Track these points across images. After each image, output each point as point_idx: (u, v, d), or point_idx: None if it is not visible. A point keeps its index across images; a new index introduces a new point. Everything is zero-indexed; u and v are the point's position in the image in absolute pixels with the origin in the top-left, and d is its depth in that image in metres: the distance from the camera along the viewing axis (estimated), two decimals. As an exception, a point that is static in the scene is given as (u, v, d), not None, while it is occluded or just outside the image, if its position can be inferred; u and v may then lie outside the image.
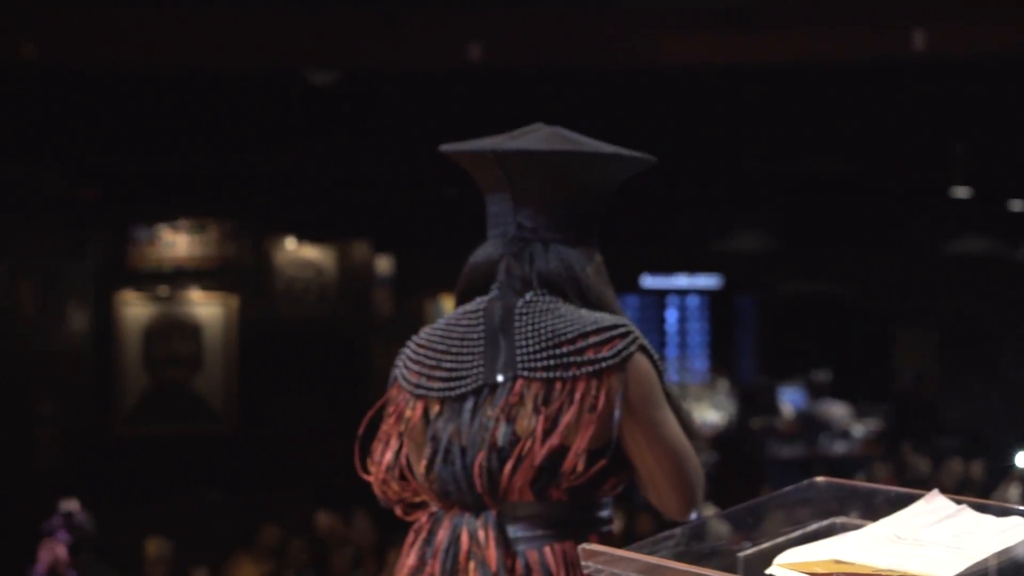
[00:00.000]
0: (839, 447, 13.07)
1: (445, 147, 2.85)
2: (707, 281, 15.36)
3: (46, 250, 10.15)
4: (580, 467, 2.58)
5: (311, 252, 11.58)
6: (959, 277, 13.53)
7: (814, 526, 1.57)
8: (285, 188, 11.16)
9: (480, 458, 2.60)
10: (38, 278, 10.14)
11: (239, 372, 11.24)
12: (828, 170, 11.75)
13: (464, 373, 2.68)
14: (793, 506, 1.62)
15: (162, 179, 10.97)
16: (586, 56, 8.45)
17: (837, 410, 13.59)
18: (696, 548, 1.50)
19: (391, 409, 2.78)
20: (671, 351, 15.52)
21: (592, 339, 2.62)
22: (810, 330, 14.79)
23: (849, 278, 14.46)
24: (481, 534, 2.62)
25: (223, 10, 8.31)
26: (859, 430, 13.37)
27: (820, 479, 1.65)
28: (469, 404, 2.66)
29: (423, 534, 2.71)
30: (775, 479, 10.91)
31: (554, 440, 2.57)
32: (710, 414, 13.46)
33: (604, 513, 2.70)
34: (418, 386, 2.72)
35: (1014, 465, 8.80)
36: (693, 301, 15.75)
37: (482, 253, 2.79)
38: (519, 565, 2.60)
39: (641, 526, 8.12)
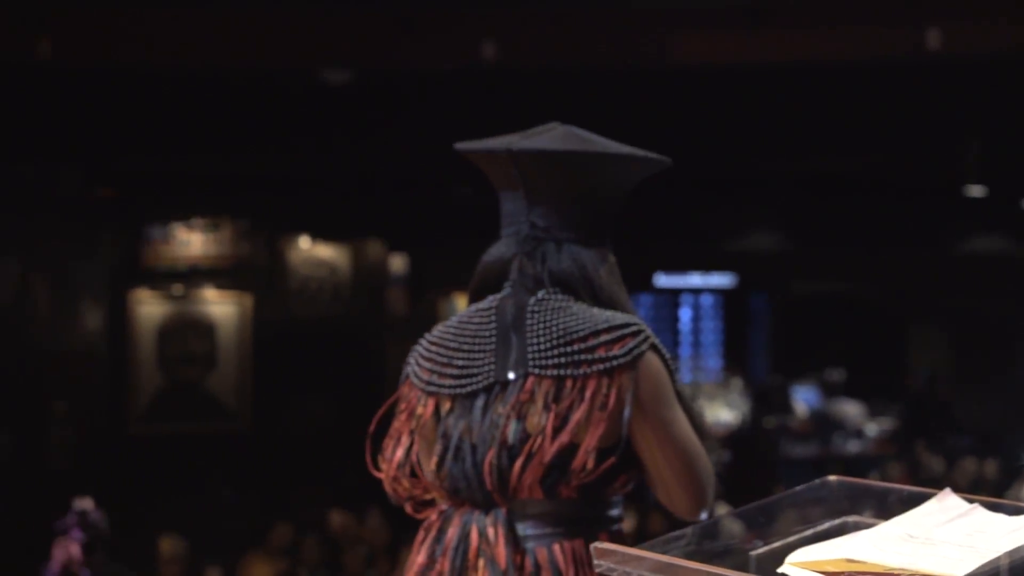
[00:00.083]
0: (852, 446, 13.06)
1: (459, 146, 2.86)
2: (721, 280, 15.36)
3: (61, 249, 10.16)
4: (590, 465, 2.58)
5: (325, 251, 11.59)
6: (973, 276, 13.51)
7: (826, 525, 1.57)
8: (299, 187, 11.17)
9: (490, 455, 2.61)
10: (52, 277, 10.16)
11: (253, 371, 11.25)
12: (841, 169, 11.74)
13: (476, 370, 2.68)
14: (805, 505, 1.62)
15: (176, 178, 10.99)
16: (600, 55, 8.45)
17: (851, 409, 13.57)
18: (708, 547, 1.50)
19: (403, 406, 2.79)
20: (685, 350, 15.51)
21: (603, 337, 2.62)
22: (824, 329, 14.78)
23: (863, 277, 14.44)
24: (491, 532, 2.62)
25: (237, 10, 8.32)
26: (873, 429, 13.36)
27: (832, 478, 1.65)
28: (480, 401, 2.66)
29: (433, 532, 2.72)
30: (788, 478, 10.90)
31: (564, 438, 2.57)
32: (724, 413, 13.45)
33: (614, 511, 2.70)
34: (430, 383, 2.73)
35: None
36: (707, 300, 15.74)
37: (495, 252, 2.80)
38: (528, 563, 2.60)
39: (653, 525, 8.12)
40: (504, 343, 2.68)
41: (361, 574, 8.55)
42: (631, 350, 2.61)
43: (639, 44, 8.38)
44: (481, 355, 2.69)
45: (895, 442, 13.05)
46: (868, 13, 8.15)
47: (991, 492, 9.19)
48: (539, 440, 2.58)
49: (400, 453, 2.76)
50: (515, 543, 2.61)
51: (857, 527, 1.55)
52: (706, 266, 15.05)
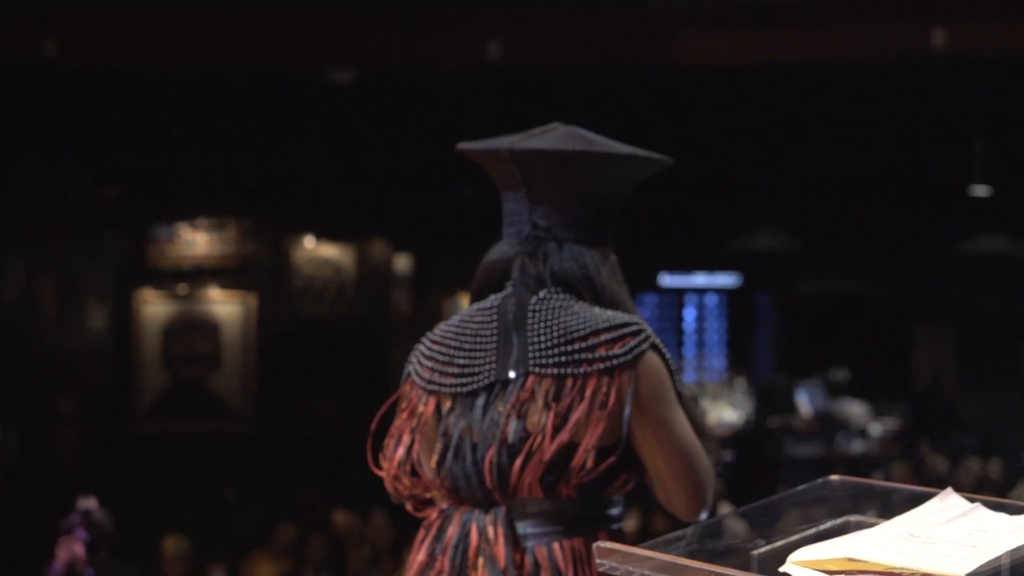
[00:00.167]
0: (857, 446, 13.06)
1: (462, 145, 2.87)
2: (725, 280, 15.37)
3: (66, 248, 10.17)
4: (589, 464, 2.58)
5: (330, 251, 11.59)
6: (978, 276, 13.50)
7: (828, 524, 1.57)
8: (304, 186, 11.17)
9: (490, 454, 2.61)
10: (58, 276, 10.16)
11: (257, 370, 11.26)
12: (846, 169, 11.74)
13: (477, 369, 2.69)
14: (808, 504, 1.63)
15: (182, 178, 10.99)
16: (606, 55, 8.45)
17: (855, 409, 13.58)
18: (710, 546, 1.51)
19: (404, 405, 2.79)
20: (689, 350, 15.53)
21: (604, 336, 2.62)
22: (828, 329, 14.78)
23: (867, 277, 14.44)
24: (490, 530, 2.62)
25: (242, 9, 8.32)
26: (877, 429, 13.36)
27: (834, 477, 1.65)
28: (481, 400, 2.67)
29: (433, 530, 2.72)
30: (792, 478, 10.89)
31: (564, 436, 2.58)
32: (728, 413, 13.46)
33: (614, 511, 2.70)
34: (431, 382, 2.73)
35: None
36: (711, 299, 15.75)
37: (497, 252, 2.81)
38: (528, 561, 2.60)
39: (656, 525, 8.12)
40: (505, 342, 2.69)
41: (365, 574, 8.55)
42: (631, 349, 2.61)
43: (645, 43, 8.37)
44: (482, 354, 2.70)
45: (899, 442, 13.05)
46: (873, 13, 8.15)
47: (995, 492, 9.20)
48: (539, 439, 2.58)
49: (401, 452, 2.76)
50: (515, 542, 2.62)
51: (859, 526, 1.55)
52: (711, 266, 15.05)
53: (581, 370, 2.61)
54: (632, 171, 2.80)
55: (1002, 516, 1.51)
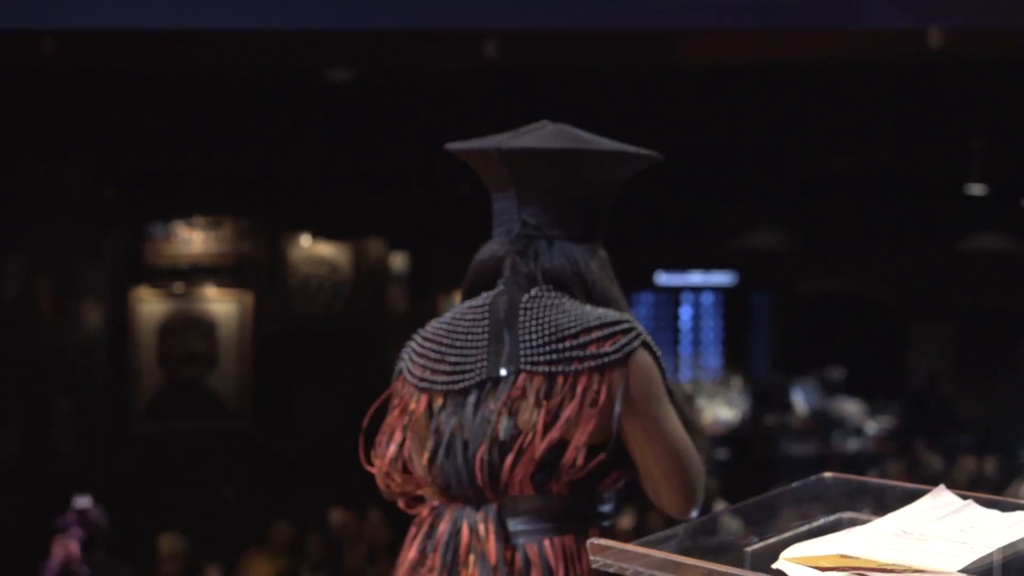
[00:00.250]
0: (852, 444, 13.05)
1: (450, 146, 2.87)
2: (722, 278, 15.36)
3: (64, 247, 10.17)
4: (580, 461, 2.58)
5: (326, 249, 11.59)
6: (975, 275, 13.50)
7: (821, 521, 1.58)
8: (300, 185, 11.16)
9: (481, 451, 2.61)
10: (56, 275, 10.16)
11: (254, 369, 11.25)
12: (843, 168, 11.73)
13: (468, 367, 2.70)
14: (802, 501, 1.63)
15: (179, 176, 10.98)
16: (604, 54, 8.45)
17: (851, 407, 13.58)
18: (704, 543, 1.51)
19: (395, 402, 2.80)
20: (685, 348, 15.52)
21: (595, 334, 2.63)
22: (824, 327, 14.77)
23: (864, 275, 14.44)
24: (481, 527, 2.63)
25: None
26: (872, 427, 13.35)
27: (828, 475, 1.66)
28: (472, 398, 2.67)
29: (424, 528, 2.73)
30: (788, 476, 10.86)
31: (554, 434, 2.58)
32: (723, 411, 13.45)
33: (606, 508, 2.71)
34: (422, 379, 2.74)
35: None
36: (707, 298, 15.74)
37: (487, 251, 2.81)
38: (518, 558, 2.61)
39: (652, 522, 8.12)
40: (497, 340, 2.69)
41: (362, 572, 8.55)
42: (622, 347, 2.62)
43: (644, 43, 8.37)
44: (474, 352, 2.70)
45: (895, 440, 13.04)
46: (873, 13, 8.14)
47: (991, 490, 9.19)
48: (530, 436, 2.59)
49: (393, 449, 2.76)
50: (505, 539, 2.62)
51: (852, 523, 1.56)
52: (707, 264, 15.05)
53: (572, 368, 2.61)
54: (621, 167, 2.80)
55: (994, 513, 1.51)
